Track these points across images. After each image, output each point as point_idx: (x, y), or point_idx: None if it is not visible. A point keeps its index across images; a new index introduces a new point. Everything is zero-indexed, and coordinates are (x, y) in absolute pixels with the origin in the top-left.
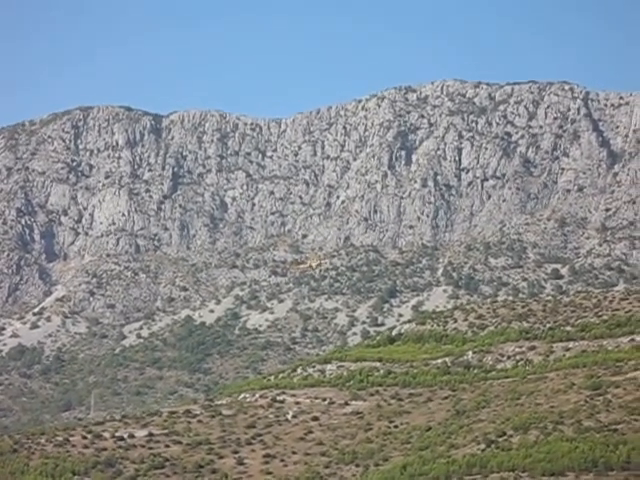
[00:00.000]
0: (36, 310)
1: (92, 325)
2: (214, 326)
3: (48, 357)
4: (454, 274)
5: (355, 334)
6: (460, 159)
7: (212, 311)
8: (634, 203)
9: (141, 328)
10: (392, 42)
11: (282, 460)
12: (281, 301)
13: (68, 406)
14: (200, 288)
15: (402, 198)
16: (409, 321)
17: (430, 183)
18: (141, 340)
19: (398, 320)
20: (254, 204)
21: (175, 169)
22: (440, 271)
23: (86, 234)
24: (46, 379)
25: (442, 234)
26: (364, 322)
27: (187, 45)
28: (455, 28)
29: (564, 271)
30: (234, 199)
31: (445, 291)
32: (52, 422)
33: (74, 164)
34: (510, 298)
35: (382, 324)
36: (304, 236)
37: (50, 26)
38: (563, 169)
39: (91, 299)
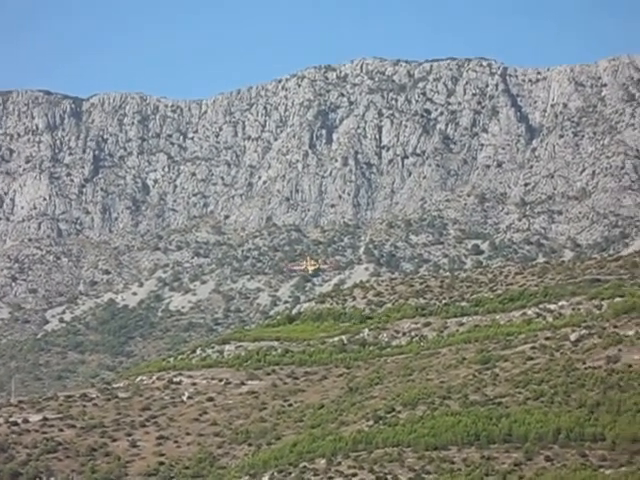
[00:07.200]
0: None
1: (14, 310)
2: (137, 309)
3: None
4: (376, 252)
5: (278, 314)
6: (380, 137)
7: (135, 294)
8: (552, 177)
9: (64, 312)
10: (311, 21)
11: (175, 441)
12: (204, 282)
13: None
14: (123, 271)
15: (323, 177)
16: (308, 300)
17: (351, 162)
18: (63, 324)
19: None
20: (176, 186)
21: (96, 152)
22: (362, 249)
23: (7, 219)
24: None
25: (363, 212)
26: (286, 302)
27: (105, 27)
28: (373, 5)
29: (484, 246)
30: (156, 181)
31: (367, 269)
32: None
33: None
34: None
35: (305, 303)
36: (226, 217)
37: None
38: (482, 145)
39: (13, 284)
